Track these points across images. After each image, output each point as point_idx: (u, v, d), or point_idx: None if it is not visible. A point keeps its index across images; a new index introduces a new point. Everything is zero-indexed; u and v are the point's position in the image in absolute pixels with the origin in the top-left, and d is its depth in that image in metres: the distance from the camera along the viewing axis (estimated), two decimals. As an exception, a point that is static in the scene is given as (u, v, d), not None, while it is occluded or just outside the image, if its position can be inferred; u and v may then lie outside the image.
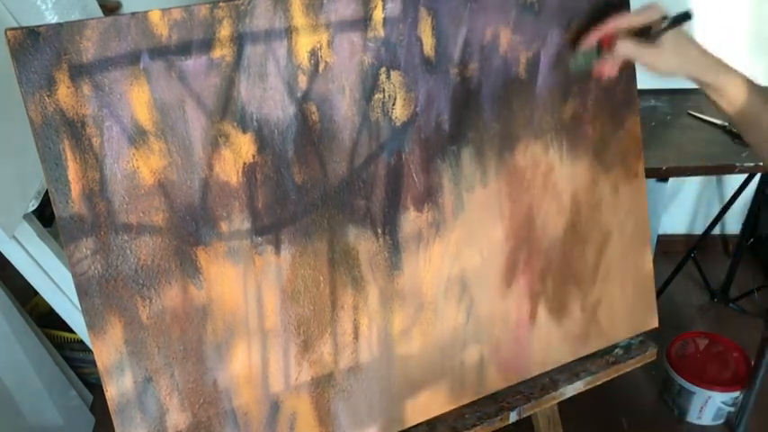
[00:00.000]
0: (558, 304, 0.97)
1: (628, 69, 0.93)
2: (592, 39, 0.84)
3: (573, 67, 0.88)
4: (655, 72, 0.81)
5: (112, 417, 0.72)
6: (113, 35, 0.64)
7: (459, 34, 0.81)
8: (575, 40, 0.87)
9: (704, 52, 0.80)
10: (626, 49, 0.80)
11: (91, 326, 0.69)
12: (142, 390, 0.73)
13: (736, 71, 0.79)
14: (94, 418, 1.88)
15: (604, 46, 0.83)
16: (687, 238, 2.41)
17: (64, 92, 0.63)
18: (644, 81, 0.97)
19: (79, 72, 0.64)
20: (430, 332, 0.88)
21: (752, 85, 0.79)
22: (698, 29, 1.63)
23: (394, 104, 0.79)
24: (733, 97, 0.79)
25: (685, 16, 0.79)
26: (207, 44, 0.68)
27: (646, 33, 0.80)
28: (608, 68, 0.83)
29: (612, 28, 0.82)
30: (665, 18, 0.80)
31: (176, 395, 0.75)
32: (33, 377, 1.67)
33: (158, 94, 0.67)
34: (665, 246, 2.35)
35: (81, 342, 1.86)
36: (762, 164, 1.39)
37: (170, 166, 0.69)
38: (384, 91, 0.78)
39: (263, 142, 0.73)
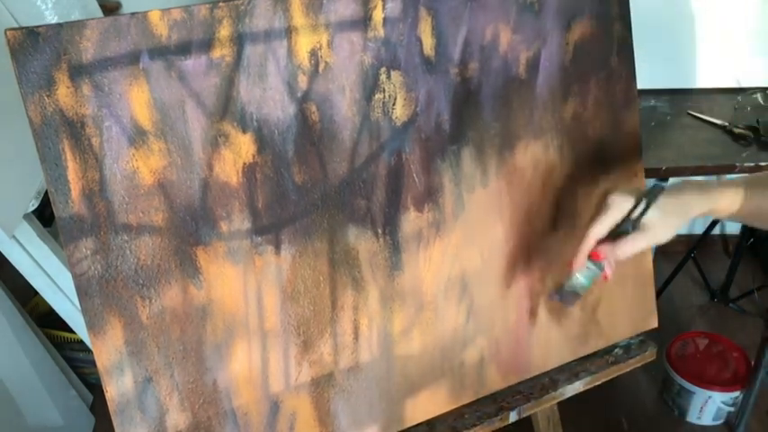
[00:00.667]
0: (557, 304, 0.97)
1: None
2: (581, 260, 0.78)
3: (580, 290, 0.81)
4: (662, 243, 0.78)
5: (112, 417, 0.72)
6: (113, 35, 0.64)
7: (459, 34, 0.81)
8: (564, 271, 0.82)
9: (688, 192, 0.76)
10: (623, 252, 0.76)
11: (91, 326, 0.69)
12: (142, 390, 0.73)
13: (726, 186, 0.75)
14: (94, 418, 1.88)
15: (598, 260, 0.78)
16: (687, 238, 2.41)
17: (63, 92, 0.63)
18: (644, 81, 0.97)
19: (79, 72, 0.63)
20: (430, 332, 0.88)
21: (747, 188, 0.74)
22: (698, 29, 1.63)
23: (394, 104, 0.79)
24: (731, 209, 0.75)
25: (656, 190, 0.76)
26: (207, 44, 0.68)
27: (625, 227, 0.76)
28: (611, 273, 0.79)
29: (593, 242, 0.77)
30: (636, 205, 0.75)
31: (176, 395, 0.75)
32: (33, 377, 1.67)
33: (158, 94, 0.67)
34: (665, 246, 2.33)
35: (81, 342, 1.86)
36: (762, 164, 1.39)
37: (170, 166, 0.69)
38: (384, 91, 0.78)
39: (262, 142, 0.73)
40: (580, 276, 0.80)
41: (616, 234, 0.77)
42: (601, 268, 0.79)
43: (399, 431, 0.89)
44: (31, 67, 0.62)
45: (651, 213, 0.75)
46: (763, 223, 0.77)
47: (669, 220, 0.76)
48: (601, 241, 0.78)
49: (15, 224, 1.19)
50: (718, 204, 0.75)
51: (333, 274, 0.80)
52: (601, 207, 0.78)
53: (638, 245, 0.76)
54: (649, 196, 0.75)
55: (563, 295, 0.82)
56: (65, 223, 0.66)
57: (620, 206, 0.76)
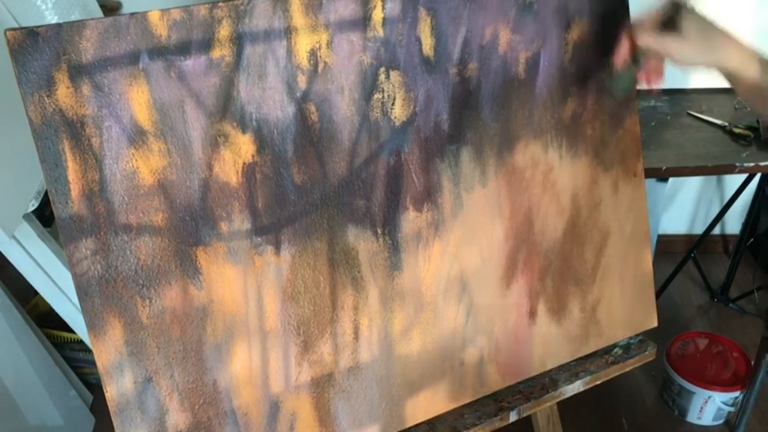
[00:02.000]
0: (557, 304, 0.97)
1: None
2: (622, 55, 0.79)
3: (618, 92, 0.82)
4: (678, 63, 0.76)
5: (112, 417, 0.72)
6: (113, 35, 0.64)
7: (458, 34, 0.81)
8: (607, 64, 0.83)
9: (733, 40, 0.74)
10: (646, 40, 0.76)
11: (91, 326, 0.69)
12: (142, 390, 0.73)
13: (756, 53, 0.74)
14: (94, 418, 1.88)
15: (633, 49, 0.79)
16: (687, 238, 2.41)
17: (63, 92, 0.63)
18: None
19: (79, 72, 0.64)
20: (430, 332, 0.88)
21: (760, 63, 0.74)
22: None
23: (393, 104, 0.79)
24: (752, 79, 0.74)
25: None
26: (206, 44, 0.68)
27: (665, 22, 0.76)
28: (652, 76, 0.79)
29: (635, 32, 0.77)
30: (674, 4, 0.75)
31: (176, 395, 0.75)
32: (33, 377, 1.67)
33: (158, 94, 0.67)
34: (665, 246, 2.35)
35: (81, 342, 1.86)
36: (762, 164, 1.39)
37: (169, 166, 0.69)
38: (383, 91, 0.78)
39: (262, 142, 0.73)
40: (621, 77, 0.81)
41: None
42: (631, 71, 0.80)
43: (399, 431, 0.89)
44: (31, 67, 0.62)
45: (691, 25, 0.74)
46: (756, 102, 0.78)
47: (702, 42, 0.74)
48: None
49: (15, 224, 1.19)
50: (745, 73, 0.74)
51: (333, 273, 0.80)
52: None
53: (660, 43, 0.75)
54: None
55: (615, 91, 0.85)
56: (65, 223, 0.66)
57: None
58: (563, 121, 0.91)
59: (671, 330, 1.95)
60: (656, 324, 1.07)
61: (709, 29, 0.75)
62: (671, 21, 0.76)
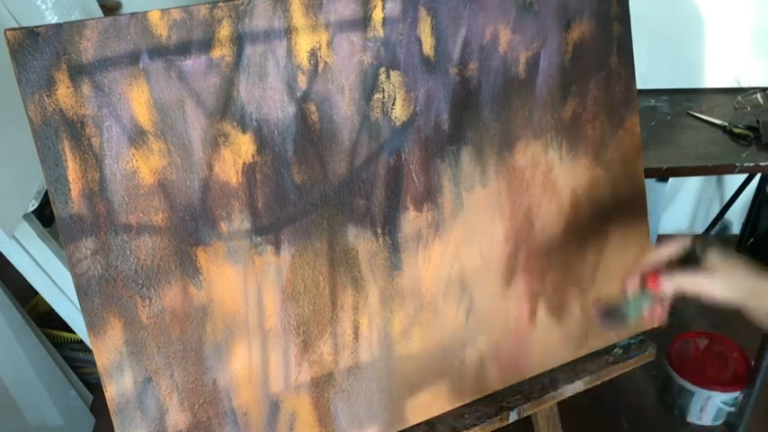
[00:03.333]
0: (557, 304, 0.97)
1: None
2: (636, 280, 0.73)
3: (631, 318, 0.75)
4: (718, 299, 0.72)
5: (112, 417, 0.72)
6: (113, 35, 0.64)
7: (458, 34, 0.81)
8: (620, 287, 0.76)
9: (752, 272, 0.71)
10: (679, 284, 0.71)
11: (91, 326, 0.69)
12: (142, 390, 0.73)
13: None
14: (94, 418, 1.88)
15: (651, 288, 0.73)
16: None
17: (63, 92, 0.63)
18: (644, 81, 0.97)
19: (79, 72, 0.64)
20: (429, 332, 0.88)
21: None
22: (698, 29, 1.63)
23: (393, 104, 0.79)
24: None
25: (726, 227, 0.71)
26: (206, 44, 0.68)
27: (689, 262, 0.72)
28: (659, 312, 0.75)
29: (656, 260, 0.73)
30: (696, 237, 0.72)
31: (176, 395, 0.75)
32: (33, 377, 1.67)
33: (158, 94, 0.67)
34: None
35: (81, 342, 1.86)
36: (762, 164, 1.39)
37: (170, 166, 0.69)
38: (384, 91, 0.78)
39: (262, 142, 0.73)
40: (633, 302, 0.74)
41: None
42: (648, 301, 0.74)
43: (399, 431, 0.89)
44: (31, 67, 0.62)
45: (717, 261, 0.71)
46: None
47: (735, 279, 0.71)
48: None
49: (15, 224, 1.19)
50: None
51: (332, 273, 0.80)
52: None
53: (694, 283, 0.71)
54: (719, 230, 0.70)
55: (606, 317, 0.77)
56: (65, 223, 0.66)
57: (677, 243, 0.72)
58: (563, 121, 0.91)
59: (671, 330, 1.95)
60: (656, 324, 1.07)
61: (735, 266, 0.71)
62: (689, 258, 0.72)
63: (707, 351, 1.82)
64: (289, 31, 0.72)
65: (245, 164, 0.73)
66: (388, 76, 0.78)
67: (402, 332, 0.86)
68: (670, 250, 0.73)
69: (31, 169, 1.20)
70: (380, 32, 0.76)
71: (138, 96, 0.66)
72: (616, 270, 1.01)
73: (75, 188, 0.66)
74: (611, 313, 0.76)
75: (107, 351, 0.71)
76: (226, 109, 0.70)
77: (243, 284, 0.76)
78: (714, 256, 0.71)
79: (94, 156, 0.66)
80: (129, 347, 0.71)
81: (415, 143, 0.81)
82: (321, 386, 0.83)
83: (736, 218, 2.34)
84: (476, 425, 0.93)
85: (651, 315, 0.75)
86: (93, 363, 0.74)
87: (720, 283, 0.71)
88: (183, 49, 0.67)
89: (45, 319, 1.89)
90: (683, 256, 0.73)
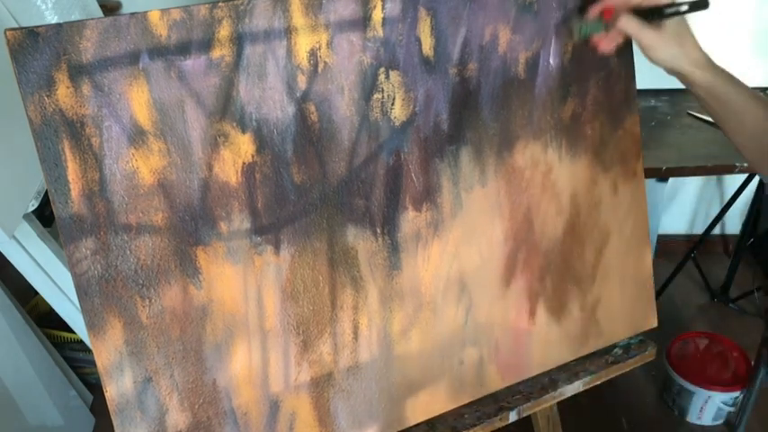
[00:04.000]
0: (557, 304, 0.97)
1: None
2: (597, 9, 0.83)
3: (576, 35, 0.87)
4: (649, 56, 0.80)
5: (112, 417, 0.72)
6: (113, 35, 0.64)
7: (458, 34, 0.81)
8: (583, 8, 0.86)
9: (699, 48, 0.80)
10: (629, 25, 0.79)
11: (91, 326, 0.70)
12: (142, 390, 0.73)
13: (722, 70, 0.79)
14: (94, 418, 1.88)
15: (606, 18, 0.82)
16: (687, 238, 2.41)
17: (63, 92, 0.63)
18: (644, 81, 0.97)
19: (78, 72, 0.64)
20: (429, 332, 0.88)
21: (737, 84, 0.79)
22: (699, 28, 1.63)
23: (393, 104, 0.79)
24: (719, 96, 0.79)
25: (702, 4, 0.77)
26: (206, 44, 0.68)
27: (649, 16, 0.79)
28: (605, 43, 0.85)
29: (622, 2, 0.80)
30: (673, 4, 0.78)
31: (176, 395, 0.75)
32: (33, 377, 1.67)
33: (158, 94, 0.67)
34: (665, 246, 2.35)
35: (81, 342, 1.86)
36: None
37: (169, 165, 0.69)
38: (383, 91, 0.78)
39: (262, 142, 0.73)
40: (586, 24, 0.85)
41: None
42: (598, 28, 0.84)
43: (399, 431, 0.89)
44: (31, 67, 0.62)
45: (672, 25, 0.78)
46: (737, 132, 0.82)
47: (673, 44, 0.78)
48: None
49: (15, 224, 1.19)
50: (713, 88, 0.79)
51: (332, 273, 0.80)
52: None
53: (640, 32, 0.79)
54: (691, 7, 0.77)
55: (568, 26, 0.87)
56: (65, 223, 0.66)
57: None
58: (563, 121, 0.91)
59: (671, 330, 1.95)
60: (656, 324, 1.07)
61: (686, 34, 0.79)
62: (653, 13, 0.79)
63: (707, 351, 1.82)
64: (288, 31, 0.72)
65: (244, 164, 0.73)
66: (387, 76, 0.78)
67: (401, 332, 0.86)
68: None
69: (31, 169, 1.20)
70: (380, 32, 0.76)
71: (138, 96, 0.67)
72: (616, 270, 1.01)
73: (75, 188, 0.66)
74: (568, 28, 0.87)
75: (107, 351, 0.71)
76: (225, 109, 0.71)
77: (243, 284, 0.76)
78: (672, 21, 0.78)
79: (94, 156, 0.66)
80: (128, 347, 0.72)
81: (414, 143, 0.81)
82: (321, 386, 0.83)
83: (736, 218, 2.34)
84: (476, 425, 0.93)
85: (599, 40, 0.85)
86: (93, 363, 0.74)
87: (666, 44, 0.78)
88: (183, 49, 0.67)
89: (45, 319, 1.89)
90: (649, 10, 0.79)
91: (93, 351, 0.70)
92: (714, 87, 0.79)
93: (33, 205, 1.23)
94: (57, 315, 1.44)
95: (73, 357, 1.93)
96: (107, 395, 0.72)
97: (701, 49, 0.80)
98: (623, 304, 1.03)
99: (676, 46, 0.79)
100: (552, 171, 0.92)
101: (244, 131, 0.72)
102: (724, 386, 1.71)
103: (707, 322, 2.14)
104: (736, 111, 0.79)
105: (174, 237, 0.71)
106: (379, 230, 0.82)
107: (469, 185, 0.87)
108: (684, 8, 0.77)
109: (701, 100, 0.82)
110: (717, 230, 2.40)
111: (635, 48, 0.95)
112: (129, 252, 0.70)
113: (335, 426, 0.85)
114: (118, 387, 0.72)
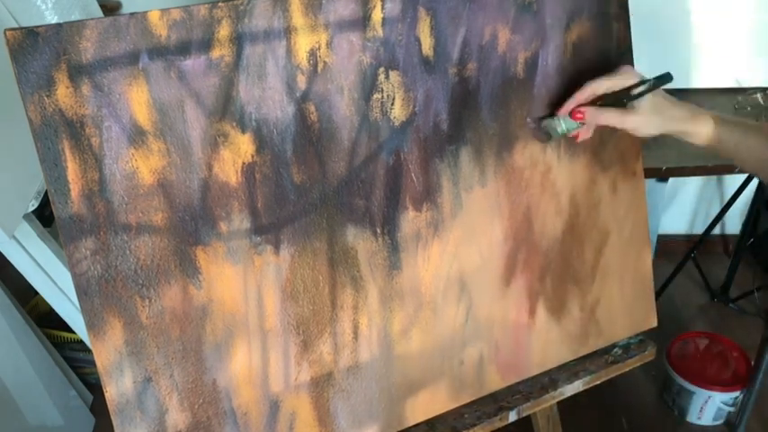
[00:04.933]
0: (557, 304, 0.97)
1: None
2: (569, 107, 0.84)
3: (552, 133, 0.87)
4: (638, 135, 0.83)
5: (112, 417, 0.72)
6: (112, 35, 0.64)
7: (457, 34, 0.81)
8: (552, 112, 0.88)
9: (678, 105, 0.82)
10: (607, 118, 0.82)
11: (90, 326, 0.70)
12: (142, 390, 0.73)
13: (705, 112, 0.81)
14: (94, 418, 1.88)
15: (579, 119, 0.83)
16: (687, 238, 2.41)
17: (63, 92, 0.63)
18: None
19: (78, 72, 0.64)
20: (429, 332, 0.88)
21: (723, 121, 0.81)
22: (698, 29, 1.63)
23: (393, 104, 0.79)
24: (708, 138, 0.81)
25: (666, 78, 0.80)
26: (206, 44, 0.68)
27: (620, 100, 0.81)
28: (584, 133, 0.88)
29: (590, 95, 0.82)
30: (642, 82, 0.80)
31: (176, 395, 0.75)
32: (33, 377, 1.67)
33: (157, 94, 0.67)
34: (665, 246, 2.35)
35: (81, 342, 1.86)
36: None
37: (169, 165, 0.69)
38: (383, 91, 0.78)
39: (261, 142, 0.73)
40: (561, 121, 0.86)
41: (605, 104, 0.82)
42: (577, 126, 0.86)
43: (399, 431, 0.90)
44: (31, 67, 0.62)
45: (646, 100, 0.80)
46: (736, 161, 0.83)
47: (654, 116, 0.81)
48: (590, 104, 0.83)
49: (15, 224, 1.19)
50: (700, 133, 0.81)
51: (332, 273, 0.80)
52: (609, 71, 0.82)
53: (621, 120, 0.81)
54: (656, 82, 0.80)
55: (538, 128, 0.89)
56: (65, 223, 0.66)
57: (627, 75, 0.81)
58: (562, 120, 0.91)
59: (671, 330, 1.95)
60: (655, 324, 1.07)
61: (662, 103, 0.82)
62: (622, 97, 0.81)
63: (707, 351, 1.82)
64: (288, 31, 0.72)
65: (244, 164, 0.73)
66: (387, 76, 0.78)
67: (401, 332, 0.86)
68: (608, 84, 0.82)
69: (31, 169, 1.20)
70: (380, 32, 0.76)
71: (138, 96, 0.67)
72: (616, 270, 1.01)
73: (75, 188, 0.66)
74: (543, 128, 0.88)
75: (107, 351, 0.71)
76: (225, 109, 0.71)
77: (242, 284, 0.76)
78: (646, 98, 0.80)
79: (94, 156, 0.66)
80: (128, 347, 0.72)
81: (414, 143, 0.81)
82: (321, 386, 0.83)
83: (736, 218, 2.34)
84: (476, 425, 0.93)
85: (576, 137, 0.88)
86: (93, 363, 0.74)
87: (648, 121, 0.81)
88: (183, 49, 0.67)
89: (45, 319, 1.89)
90: (613, 96, 0.82)
91: (93, 351, 0.70)
92: (700, 133, 0.81)
93: (33, 205, 1.23)
94: (57, 315, 1.44)
95: (73, 357, 1.93)
96: (107, 395, 0.72)
97: (681, 105, 0.82)
98: (623, 304, 1.03)
99: (656, 119, 0.81)
100: (551, 171, 0.92)
101: (243, 131, 0.72)
102: (724, 386, 1.71)
103: (707, 322, 2.14)
104: (736, 145, 0.81)
105: (174, 237, 0.71)
106: (379, 230, 0.82)
107: (469, 185, 0.87)
108: (650, 84, 0.80)
109: (705, 148, 0.83)
110: (717, 230, 2.40)
111: (635, 47, 0.96)
112: (128, 252, 0.70)
113: (335, 426, 0.85)
114: (118, 387, 0.72)
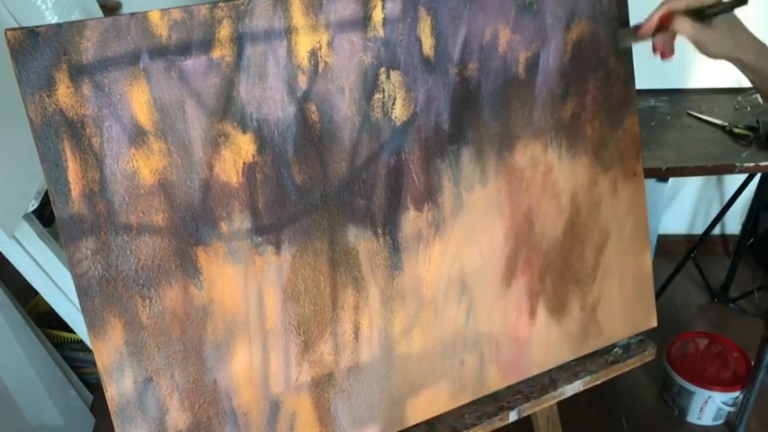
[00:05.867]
0: (557, 304, 0.97)
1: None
2: (655, 20, 0.85)
3: (624, 46, 0.91)
4: (705, 53, 0.83)
5: (112, 417, 0.72)
6: (113, 35, 0.64)
7: (458, 34, 0.81)
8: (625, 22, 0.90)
9: (752, 37, 0.83)
10: (683, 26, 0.82)
11: (91, 326, 0.69)
12: (142, 390, 0.73)
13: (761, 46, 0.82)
14: (94, 418, 1.88)
15: (663, 23, 0.84)
16: (687, 238, 2.41)
17: (64, 92, 0.63)
18: (644, 81, 0.97)
19: (79, 72, 0.64)
20: (430, 332, 0.88)
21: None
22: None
23: (394, 104, 0.79)
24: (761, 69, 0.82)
25: (742, 1, 0.81)
26: (207, 44, 0.68)
27: (698, 15, 0.82)
28: (662, 46, 0.87)
29: (669, 8, 0.83)
30: (719, 2, 0.81)
31: (176, 395, 0.75)
32: (33, 377, 1.67)
33: (158, 94, 0.67)
34: (665, 246, 2.35)
35: (81, 342, 1.86)
36: (762, 164, 1.39)
37: (170, 166, 0.69)
38: (384, 91, 0.78)
39: (262, 142, 0.73)
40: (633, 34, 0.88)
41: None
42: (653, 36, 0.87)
43: (399, 431, 0.89)
44: (31, 67, 0.62)
45: (723, 22, 0.81)
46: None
47: (728, 39, 0.82)
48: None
49: (15, 224, 1.19)
50: (752, 51, 0.82)
51: (333, 273, 0.80)
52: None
53: (695, 31, 0.82)
54: (733, 2, 0.81)
55: (623, 38, 0.92)
56: (65, 223, 0.66)
57: None
58: (563, 120, 0.91)
59: (671, 330, 1.95)
60: (655, 324, 1.07)
61: (737, 27, 0.82)
62: (700, 13, 0.82)
63: (707, 351, 1.82)
64: (289, 31, 0.72)
65: (245, 164, 0.73)
66: (388, 76, 0.78)
67: (402, 332, 0.86)
68: (673, 4, 0.83)
69: (31, 169, 1.20)
70: (380, 32, 0.76)
71: (139, 96, 0.67)
72: (616, 270, 1.01)
73: (76, 188, 0.66)
74: (621, 36, 0.92)
75: (107, 351, 0.71)
76: (226, 109, 0.71)
77: (243, 284, 0.76)
78: (722, 18, 0.81)
79: (95, 156, 0.66)
80: (129, 347, 0.71)
81: (415, 143, 0.81)
82: (321, 386, 0.83)
83: (736, 218, 2.34)
84: (476, 425, 0.93)
85: (657, 45, 0.88)
86: (93, 363, 0.74)
87: (720, 39, 0.82)
88: (184, 49, 0.67)
89: (45, 319, 1.89)
90: (696, 10, 0.82)
91: (94, 351, 0.70)
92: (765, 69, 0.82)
93: (33, 205, 1.23)
94: (57, 315, 1.44)
95: (73, 357, 1.93)
96: (107, 395, 0.72)
97: (752, 36, 0.83)
98: (623, 304, 1.03)
99: (728, 40, 0.82)
100: (552, 171, 0.92)
101: (244, 131, 0.72)
102: (724, 386, 1.71)
103: (707, 322, 2.14)
104: None
105: (175, 237, 0.71)
106: (380, 230, 0.82)
107: (470, 185, 0.87)
108: (721, 8, 0.81)
109: (756, 86, 0.85)
110: (717, 230, 2.40)
111: (635, 48, 0.95)
112: (129, 252, 0.70)
113: (336, 426, 0.85)
114: (118, 387, 0.72)
